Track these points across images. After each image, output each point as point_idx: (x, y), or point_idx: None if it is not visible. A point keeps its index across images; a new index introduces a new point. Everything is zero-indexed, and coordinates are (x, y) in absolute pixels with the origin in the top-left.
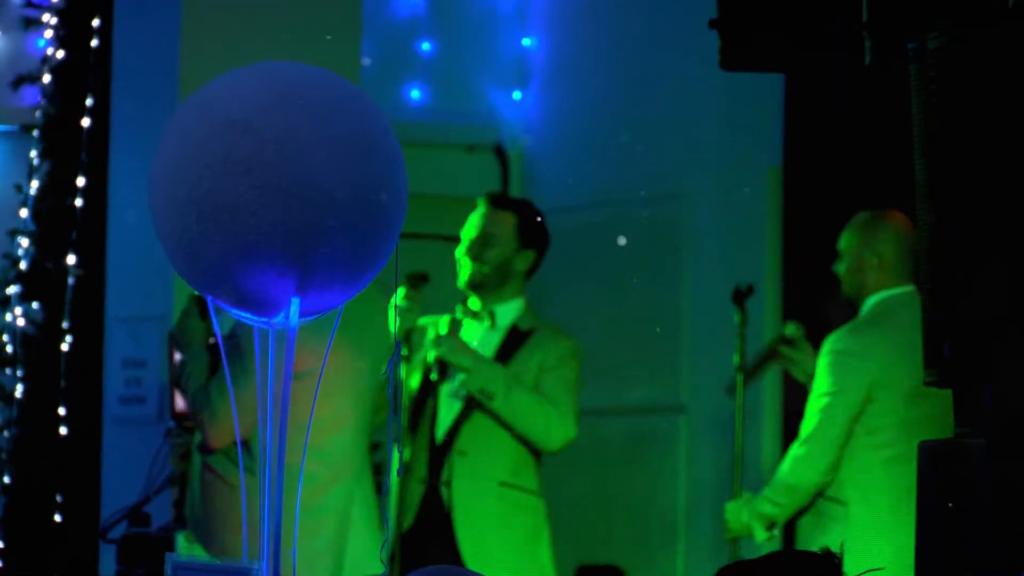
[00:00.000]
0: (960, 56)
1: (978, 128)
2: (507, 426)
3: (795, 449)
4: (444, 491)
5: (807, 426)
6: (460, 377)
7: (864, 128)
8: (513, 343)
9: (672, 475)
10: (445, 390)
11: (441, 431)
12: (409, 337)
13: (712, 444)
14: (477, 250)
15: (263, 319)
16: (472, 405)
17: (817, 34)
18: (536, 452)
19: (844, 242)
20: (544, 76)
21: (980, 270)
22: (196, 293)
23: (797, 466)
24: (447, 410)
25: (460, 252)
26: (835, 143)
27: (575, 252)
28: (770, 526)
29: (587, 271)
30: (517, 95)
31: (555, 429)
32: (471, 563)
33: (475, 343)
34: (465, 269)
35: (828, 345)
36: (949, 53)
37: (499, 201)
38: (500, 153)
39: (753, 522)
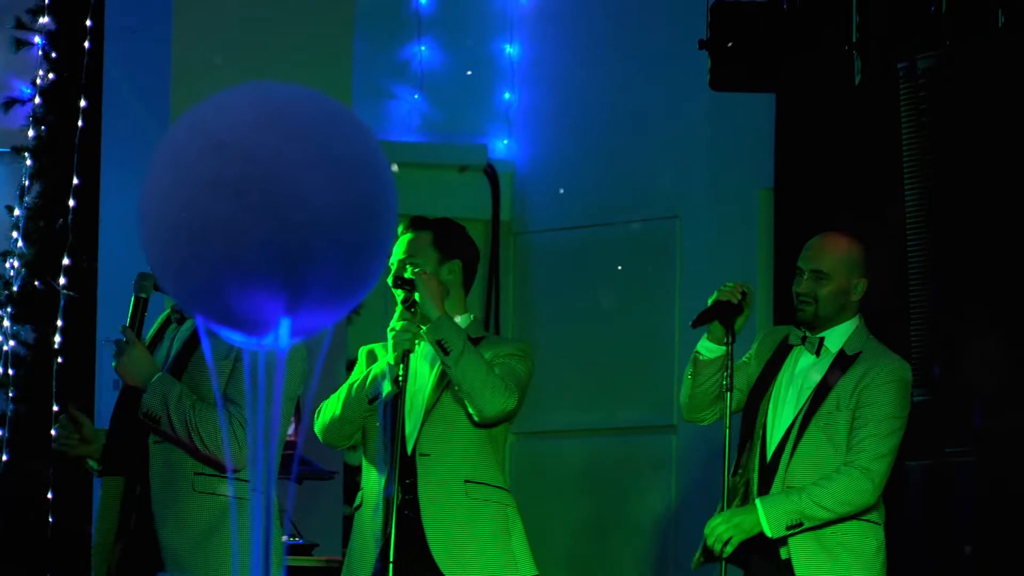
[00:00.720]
0: (950, 75)
1: (969, 147)
2: (455, 385)
3: (869, 464)
4: (415, 497)
5: (877, 445)
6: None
7: (855, 149)
8: None
9: (664, 494)
10: (408, 404)
11: (410, 444)
12: (405, 359)
13: (703, 464)
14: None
15: (253, 339)
16: (430, 410)
17: (806, 54)
18: (497, 450)
19: (829, 264)
20: (536, 97)
21: (971, 293)
22: (125, 324)
23: (877, 482)
24: (412, 424)
25: (390, 283)
26: (826, 164)
27: (567, 272)
28: (795, 526)
29: (579, 291)
30: (509, 116)
31: (497, 396)
32: (441, 562)
33: (428, 360)
34: (398, 296)
35: (898, 373)
36: (939, 72)
37: (415, 223)
38: (491, 174)
39: (775, 516)
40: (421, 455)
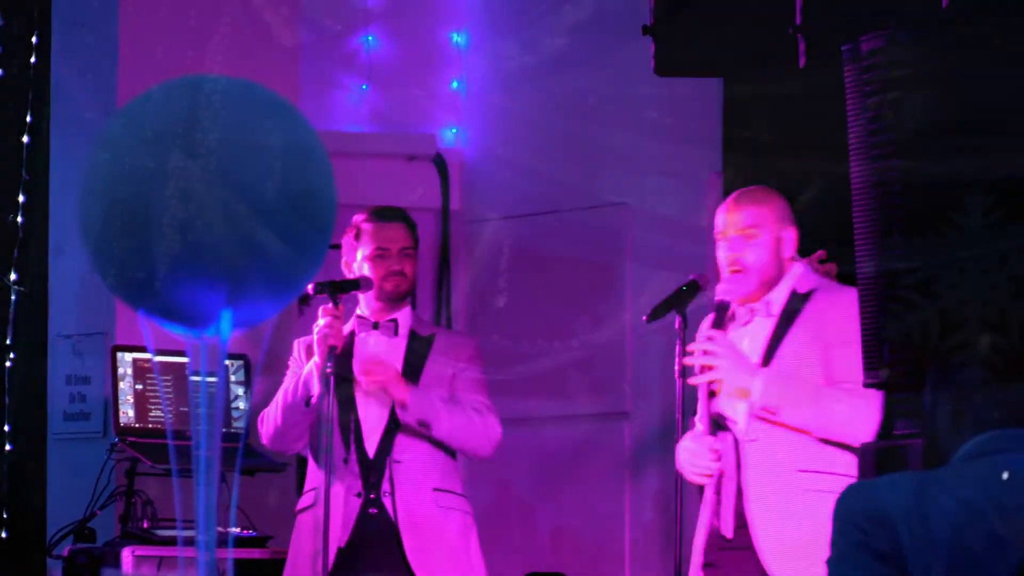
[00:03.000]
0: (895, 57)
1: (913, 128)
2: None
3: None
4: (389, 501)
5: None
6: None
7: (802, 131)
8: (418, 348)
9: (617, 481)
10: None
11: (372, 443)
12: (332, 352)
13: (656, 450)
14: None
15: (195, 332)
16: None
17: (751, 38)
18: (457, 456)
19: (754, 216)
20: (484, 85)
21: (920, 272)
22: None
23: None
24: (375, 421)
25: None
26: (774, 147)
27: (516, 261)
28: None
29: (529, 280)
30: (457, 104)
31: (482, 440)
32: (417, 567)
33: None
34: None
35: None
36: (884, 54)
37: (398, 214)
38: (440, 163)
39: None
40: (396, 462)
